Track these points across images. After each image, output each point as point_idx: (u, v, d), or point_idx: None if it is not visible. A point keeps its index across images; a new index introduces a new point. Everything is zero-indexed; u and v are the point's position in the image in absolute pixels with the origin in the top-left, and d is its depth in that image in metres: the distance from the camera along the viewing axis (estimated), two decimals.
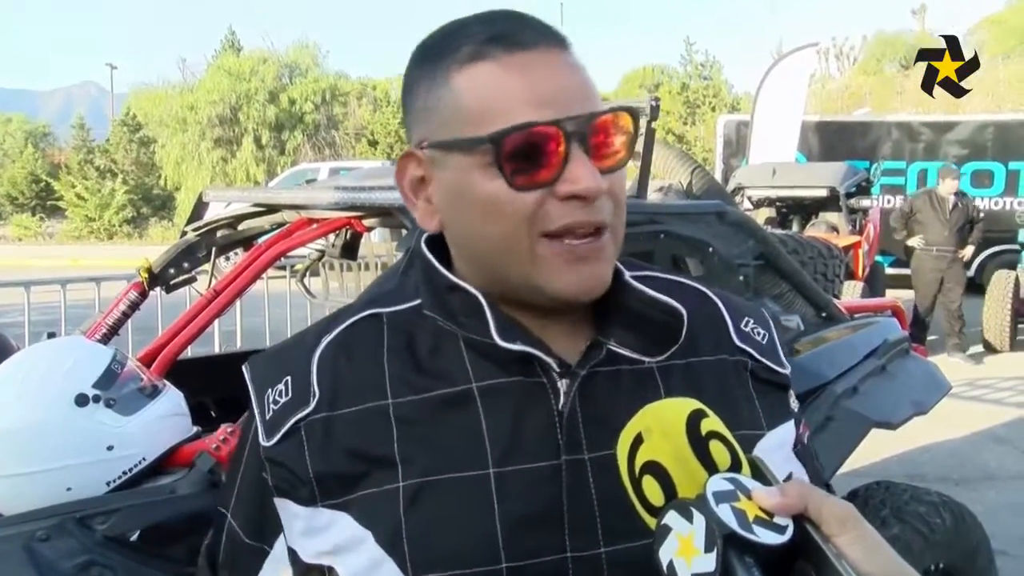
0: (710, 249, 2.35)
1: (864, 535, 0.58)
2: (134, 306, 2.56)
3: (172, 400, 1.89)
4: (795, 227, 8.92)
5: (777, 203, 9.26)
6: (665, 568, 0.58)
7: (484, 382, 0.76)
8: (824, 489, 0.66)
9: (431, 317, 0.79)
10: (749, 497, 0.59)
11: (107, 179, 25.06)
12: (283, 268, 5.07)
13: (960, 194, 7.90)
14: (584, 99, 0.73)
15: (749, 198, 8.99)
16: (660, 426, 0.62)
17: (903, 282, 9.76)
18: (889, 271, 10.38)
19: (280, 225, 2.61)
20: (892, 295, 7.95)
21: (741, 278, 2.41)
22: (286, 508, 0.78)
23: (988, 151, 11.94)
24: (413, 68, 0.78)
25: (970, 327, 7.90)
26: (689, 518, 0.58)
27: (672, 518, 0.59)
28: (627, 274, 0.81)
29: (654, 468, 0.61)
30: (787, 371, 0.88)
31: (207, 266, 2.75)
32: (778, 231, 5.79)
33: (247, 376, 0.83)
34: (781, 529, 0.57)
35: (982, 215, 8.16)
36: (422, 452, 0.75)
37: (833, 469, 2.23)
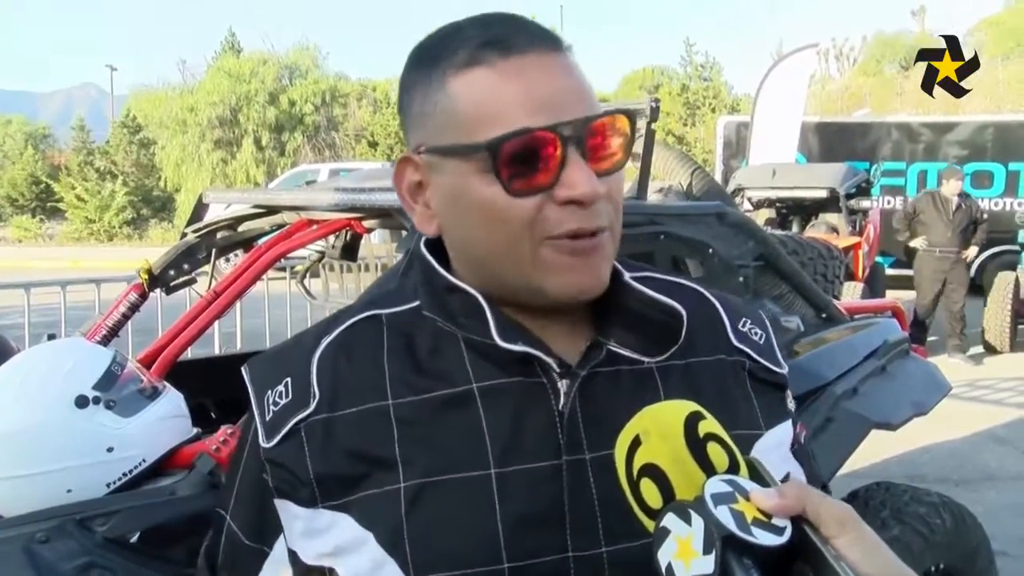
0: (710, 250, 2.35)
1: (863, 536, 0.58)
2: (134, 308, 2.56)
3: (172, 402, 1.89)
4: (795, 228, 8.91)
5: (777, 204, 9.26)
6: (664, 570, 0.58)
7: (484, 382, 0.76)
8: (821, 489, 0.66)
9: (431, 318, 0.79)
10: (747, 499, 0.59)
11: (107, 181, 25.06)
12: (283, 269, 5.08)
13: (963, 195, 7.86)
14: (580, 102, 0.73)
15: (749, 199, 8.99)
16: (658, 428, 0.62)
17: (903, 283, 9.77)
18: (889, 272, 10.39)
19: (280, 226, 2.61)
20: (892, 296, 7.96)
21: (741, 279, 2.41)
22: (286, 509, 0.78)
23: (988, 152, 11.94)
24: (409, 72, 0.78)
25: (970, 328, 7.89)
26: (687, 520, 0.58)
27: (670, 520, 0.59)
28: (626, 275, 0.81)
29: (652, 471, 0.62)
30: (784, 371, 0.88)
31: (207, 267, 2.75)
32: (778, 232, 5.78)
33: (246, 377, 0.83)
34: (779, 531, 0.58)
35: (986, 216, 8.15)
36: (423, 453, 0.75)
37: (833, 470, 2.23)
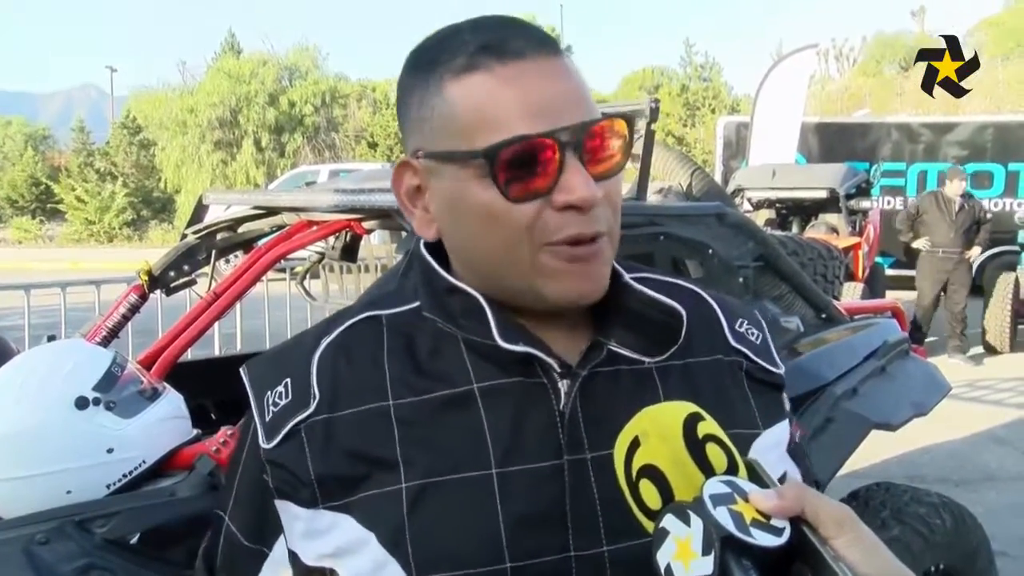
0: (710, 251, 2.35)
1: (861, 537, 0.59)
2: (134, 309, 2.56)
3: (172, 403, 1.89)
4: (795, 229, 8.91)
5: (777, 205, 9.26)
6: (663, 571, 0.58)
7: (485, 383, 0.76)
8: (815, 487, 0.66)
9: (431, 319, 0.80)
10: (746, 500, 0.59)
11: (107, 182, 25.07)
12: (283, 270, 5.09)
13: (967, 195, 7.83)
14: (578, 106, 0.73)
15: (749, 200, 8.99)
16: (657, 430, 0.63)
17: (903, 283, 9.77)
18: (889, 272, 10.38)
19: (280, 227, 2.61)
20: (892, 296, 7.96)
21: (741, 280, 2.41)
22: (287, 510, 0.78)
23: (988, 152, 11.93)
24: (407, 76, 0.78)
25: (970, 328, 7.89)
26: (686, 521, 0.58)
27: (669, 521, 0.59)
28: (626, 276, 0.81)
29: (651, 472, 0.62)
30: (781, 371, 0.89)
31: (207, 269, 2.75)
32: (778, 233, 5.78)
33: (245, 379, 0.83)
34: (778, 531, 0.58)
35: (989, 216, 8.13)
36: (424, 453, 0.75)
37: (833, 470, 2.23)
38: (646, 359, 0.79)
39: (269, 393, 0.80)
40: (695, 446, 0.62)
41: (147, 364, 2.26)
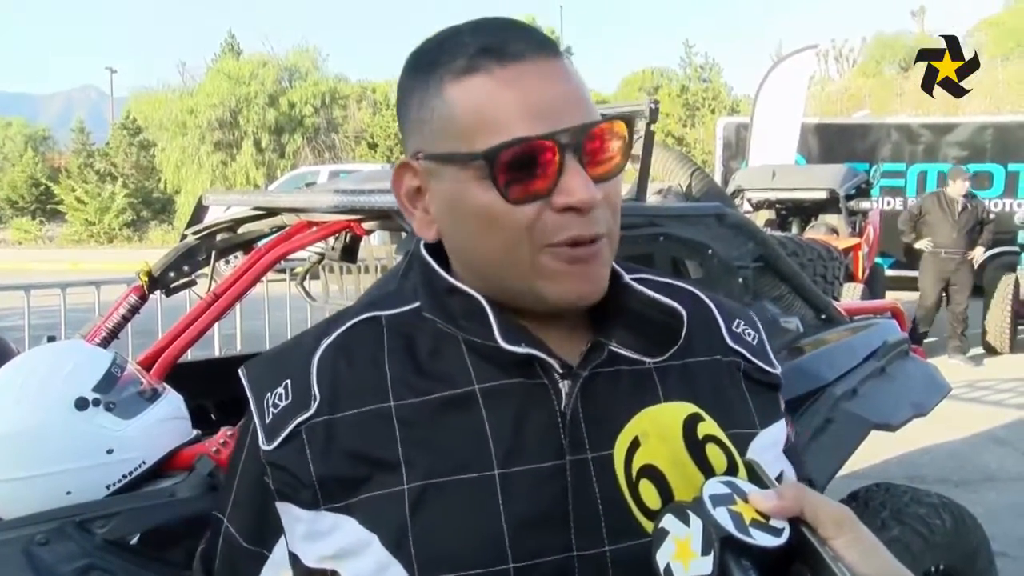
0: (709, 251, 2.35)
1: (860, 537, 0.59)
2: (134, 309, 2.56)
3: (172, 403, 1.89)
4: (795, 229, 8.90)
5: (777, 205, 9.25)
6: (663, 571, 0.58)
7: (486, 384, 0.76)
8: (807, 484, 0.66)
9: (431, 320, 0.80)
10: (745, 500, 0.59)
11: (107, 183, 25.08)
12: (283, 271, 5.09)
13: (969, 195, 7.81)
14: (577, 108, 0.73)
15: (749, 200, 8.99)
16: (657, 430, 0.63)
17: (903, 284, 9.77)
18: (889, 273, 10.37)
19: (280, 228, 2.61)
20: (892, 297, 7.95)
21: (740, 280, 2.41)
22: (288, 512, 0.78)
23: (987, 153, 11.92)
24: (407, 77, 0.78)
25: (970, 329, 7.89)
26: (686, 521, 0.58)
27: (669, 521, 0.59)
28: (626, 276, 0.81)
29: (651, 472, 0.62)
30: (778, 371, 0.89)
31: (207, 269, 2.75)
32: (778, 233, 5.78)
33: (244, 380, 0.83)
34: (778, 532, 0.58)
35: (993, 216, 8.12)
36: (425, 454, 0.75)
37: (833, 471, 2.23)
38: (647, 359, 0.79)
39: (269, 394, 0.80)
40: (695, 446, 0.62)
41: (147, 365, 2.26)
